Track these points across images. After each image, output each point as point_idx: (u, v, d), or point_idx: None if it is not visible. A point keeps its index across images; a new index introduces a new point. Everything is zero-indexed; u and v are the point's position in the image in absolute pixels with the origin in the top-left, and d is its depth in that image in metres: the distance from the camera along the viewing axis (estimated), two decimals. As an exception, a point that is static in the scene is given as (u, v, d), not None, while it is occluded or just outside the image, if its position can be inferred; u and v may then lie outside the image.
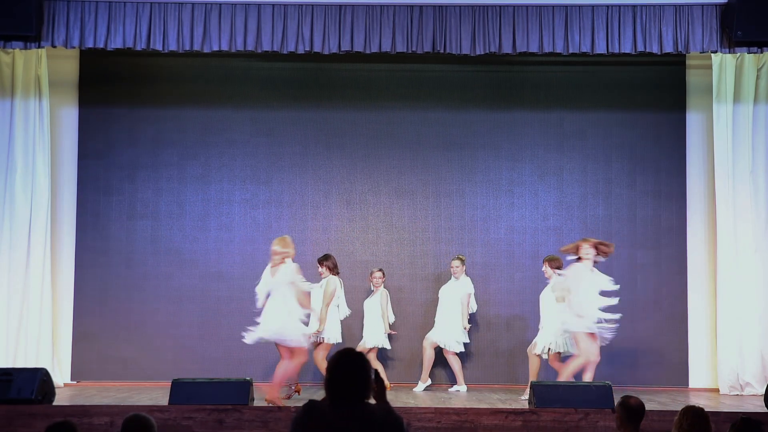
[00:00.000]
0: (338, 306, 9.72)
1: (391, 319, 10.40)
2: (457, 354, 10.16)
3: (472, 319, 10.35)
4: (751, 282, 10.20)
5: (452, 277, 10.25)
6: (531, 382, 8.11)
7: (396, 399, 9.09)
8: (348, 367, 3.71)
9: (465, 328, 10.11)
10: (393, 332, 10.38)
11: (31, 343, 10.13)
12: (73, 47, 9.58)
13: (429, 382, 10.28)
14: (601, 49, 9.48)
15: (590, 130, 11.05)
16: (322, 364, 9.45)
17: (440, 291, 10.31)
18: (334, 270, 9.57)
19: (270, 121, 11.04)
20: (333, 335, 9.59)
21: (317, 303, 9.43)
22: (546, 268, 9.51)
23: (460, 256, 10.28)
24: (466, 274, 10.27)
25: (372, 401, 3.77)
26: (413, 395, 9.69)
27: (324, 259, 9.67)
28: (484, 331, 10.73)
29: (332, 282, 9.55)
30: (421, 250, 10.95)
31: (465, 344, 10.24)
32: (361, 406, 3.67)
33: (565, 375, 8.94)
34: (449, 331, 10.13)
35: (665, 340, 10.71)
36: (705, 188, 10.78)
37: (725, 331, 10.20)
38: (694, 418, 4.75)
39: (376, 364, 10.17)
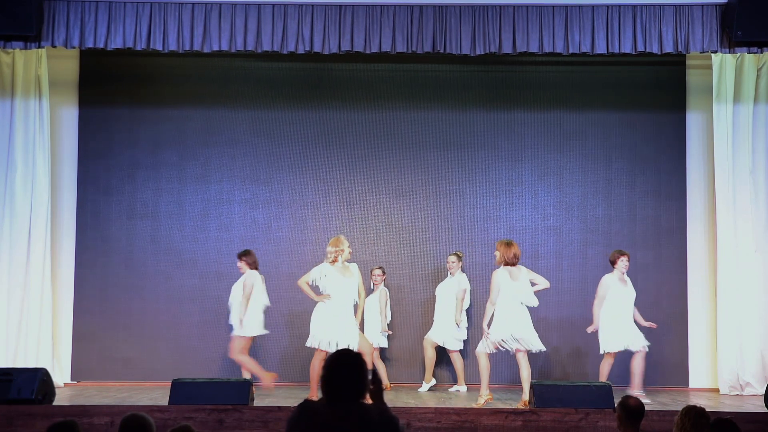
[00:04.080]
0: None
1: (389, 318, 10.41)
2: (458, 352, 10.18)
3: (468, 316, 10.33)
4: (751, 282, 10.20)
5: (448, 274, 10.27)
6: (531, 382, 8.10)
7: (396, 399, 9.09)
8: (344, 367, 3.71)
9: (458, 323, 10.11)
10: (389, 332, 10.38)
11: (31, 343, 10.13)
12: (73, 47, 9.58)
13: (434, 381, 10.30)
14: (601, 49, 9.48)
15: (590, 131, 11.05)
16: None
17: (437, 289, 10.33)
18: (252, 265, 9.60)
19: (270, 121, 11.04)
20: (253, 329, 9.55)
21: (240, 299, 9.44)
22: (627, 262, 9.47)
23: (457, 252, 10.30)
24: (462, 270, 10.28)
25: (369, 401, 3.77)
26: (415, 395, 9.69)
27: (243, 255, 9.64)
28: (484, 331, 10.72)
29: (251, 276, 9.55)
30: (421, 250, 10.95)
31: (465, 342, 10.26)
32: (356, 406, 3.67)
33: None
34: (447, 329, 10.14)
35: (665, 340, 10.70)
36: (705, 188, 10.78)
37: (725, 331, 10.20)
38: (696, 419, 4.74)
39: (378, 364, 10.17)
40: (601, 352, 9.43)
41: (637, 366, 9.35)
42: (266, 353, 10.77)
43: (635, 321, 9.53)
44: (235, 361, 9.55)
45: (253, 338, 9.55)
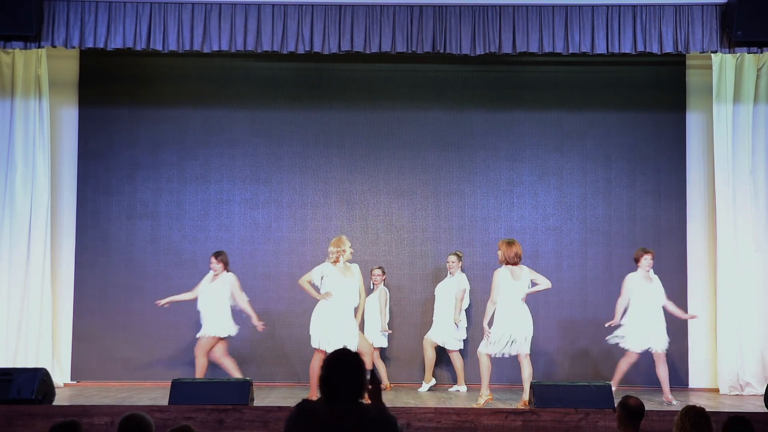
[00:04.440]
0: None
1: (388, 318, 10.40)
2: (458, 352, 10.17)
3: (467, 316, 10.32)
4: (751, 282, 10.20)
5: (448, 274, 10.27)
6: (531, 382, 8.09)
7: (396, 399, 9.09)
8: (343, 367, 3.71)
9: (457, 323, 10.09)
10: (388, 331, 10.38)
11: (31, 343, 10.13)
12: (73, 47, 9.58)
13: (433, 381, 10.29)
14: (601, 49, 9.48)
15: (590, 130, 11.05)
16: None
17: (436, 289, 10.33)
18: (227, 266, 9.67)
19: (270, 121, 11.04)
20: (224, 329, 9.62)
21: (221, 300, 9.50)
22: (651, 260, 9.31)
23: (457, 252, 10.31)
24: (462, 270, 10.28)
25: (367, 401, 3.77)
26: (415, 395, 9.69)
27: (221, 255, 9.70)
28: (484, 331, 10.72)
29: (233, 278, 9.64)
30: (420, 250, 10.95)
31: (464, 342, 10.26)
32: (355, 406, 3.67)
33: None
34: (447, 329, 10.13)
35: (665, 340, 10.70)
36: (705, 188, 10.78)
37: (725, 331, 10.20)
38: (696, 419, 4.74)
39: (378, 364, 10.17)
40: (611, 341, 9.33)
41: (662, 372, 9.20)
42: (266, 353, 10.77)
43: (674, 315, 9.51)
44: (213, 361, 9.61)
45: (227, 338, 9.59)
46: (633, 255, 9.59)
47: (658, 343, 9.24)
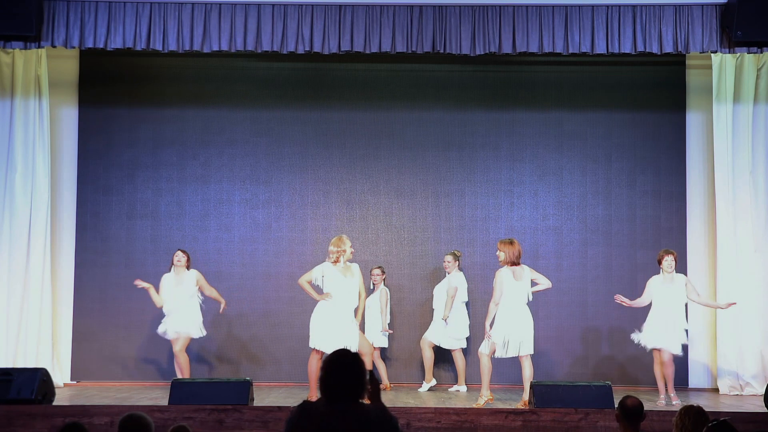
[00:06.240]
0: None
1: (389, 318, 10.39)
2: (461, 351, 10.16)
3: (468, 315, 10.30)
4: (751, 282, 10.19)
5: (446, 274, 10.26)
6: (531, 382, 8.09)
7: (396, 399, 9.09)
8: (342, 367, 3.72)
9: (444, 320, 10.04)
10: (389, 331, 10.37)
11: (31, 343, 10.13)
12: (73, 47, 9.58)
13: (434, 381, 10.28)
14: (601, 49, 9.48)
15: (590, 130, 11.05)
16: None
17: (435, 289, 10.33)
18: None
19: (270, 121, 11.04)
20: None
21: (194, 299, 9.64)
22: (673, 261, 9.13)
23: (455, 252, 10.29)
24: (459, 269, 10.25)
25: (366, 402, 3.77)
26: (415, 395, 9.68)
27: (185, 250, 9.80)
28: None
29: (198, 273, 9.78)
30: (420, 250, 10.95)
31: (467, 340, 10.24)
32: (355, 406, 3.68)
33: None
34: (442, 329, 10.11)
35: (665, 340, 10.69)
36: (705, 188, 10.78)
37: (725, 331, 10.20)
38: (695, 418, 4.74)
39: (379, 364, 10.17)
40: (639, 342, 9.24)
41: (668, 371, 9.02)
42: (265, 353, 10.78)
43: (710, 306, 9.63)
44: (179, 357, 9.58)
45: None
46: (656, 257, 9.40)
47: (670, 344, 9.06)
